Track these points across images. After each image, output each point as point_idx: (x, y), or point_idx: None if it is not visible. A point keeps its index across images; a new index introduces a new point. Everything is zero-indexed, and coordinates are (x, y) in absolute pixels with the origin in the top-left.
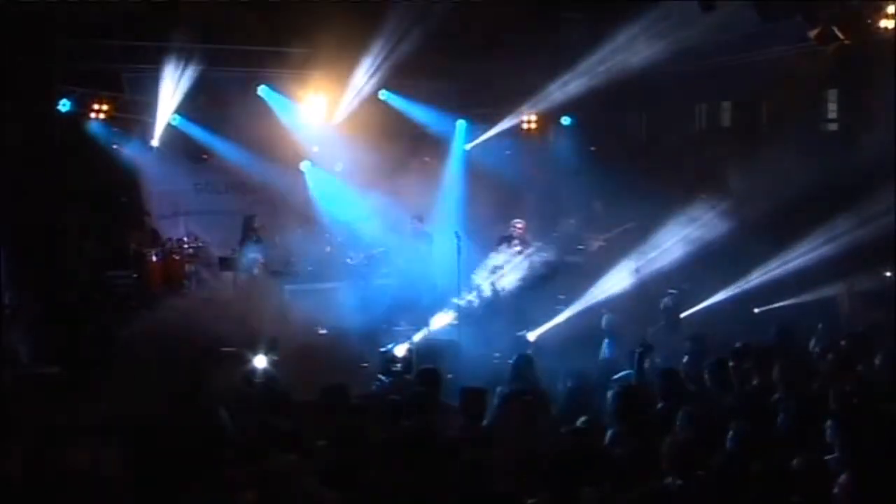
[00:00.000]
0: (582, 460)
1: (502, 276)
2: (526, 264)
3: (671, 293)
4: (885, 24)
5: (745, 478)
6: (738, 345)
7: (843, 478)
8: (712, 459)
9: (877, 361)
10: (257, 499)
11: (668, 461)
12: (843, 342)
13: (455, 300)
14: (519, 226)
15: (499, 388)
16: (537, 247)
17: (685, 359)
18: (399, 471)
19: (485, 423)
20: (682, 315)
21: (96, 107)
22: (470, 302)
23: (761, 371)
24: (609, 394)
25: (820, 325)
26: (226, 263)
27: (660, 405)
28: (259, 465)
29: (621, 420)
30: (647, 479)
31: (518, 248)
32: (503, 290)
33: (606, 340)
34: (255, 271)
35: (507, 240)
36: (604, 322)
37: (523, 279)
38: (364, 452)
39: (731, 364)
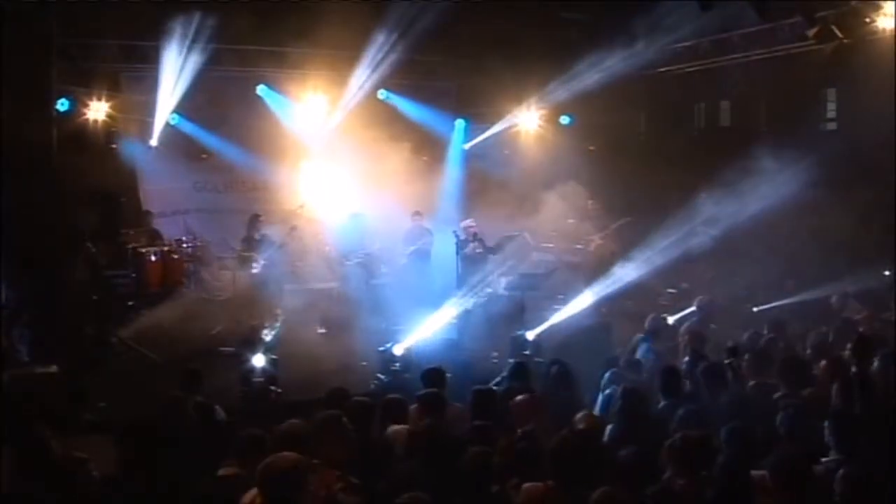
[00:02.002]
0: (582, 456)
1: (497, 275)
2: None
3: (671, 292)
4: (884, 22)
5: (746, 478)
6: (730, 344)
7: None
8: (715, 460)
9: (875, 363)
10: (256, 497)
11: (670, 461)
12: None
13: (454, 299)
14: (472, 226)
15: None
16: (501, 240)
17: (685, 358)
18: (409, 469)
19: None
20: (680, 315)
21: (95, 106)
22: (469, 300)
23: (759, 370)
24: (609, 392)
25: (824, 329)
26: (225, 262)
27: (661, 404)
28: (258, 463)
29: (624, 419)
30: (649, 478)
31: (479, 250)
32: (501, 288)
33: (646, 341)
34: (255, 270)
35: (465, 243)
36: (647, 322)
37: (522, 277)
38: (371, 452)
39: (726, 362)
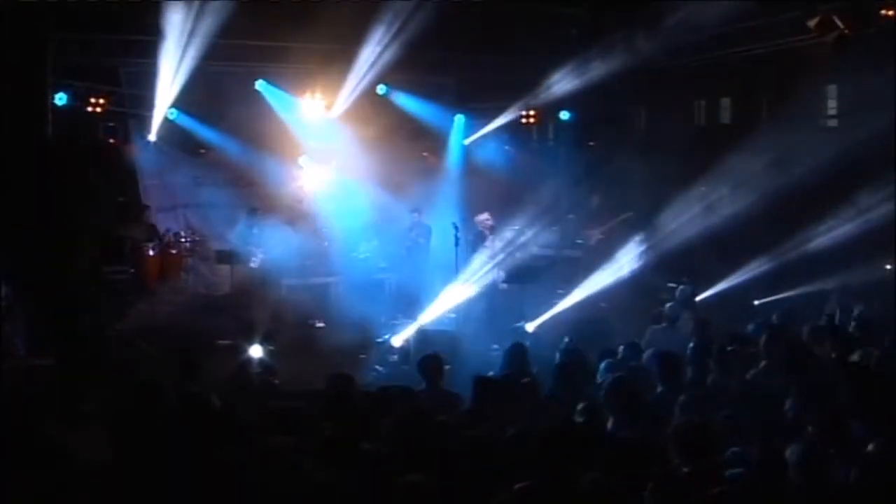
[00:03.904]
0: (578, 443)
1: (497, 268)
2: (524, 255)
3: (671, 287)
4: (886, 13)
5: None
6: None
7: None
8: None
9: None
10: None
11: (674, 448)
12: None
13: (452, 292)
14: (487, 220)
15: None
16: (514, 232)
17: (690, 345)
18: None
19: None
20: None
21: (93, 101)
22: (468, 293)
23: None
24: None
25: (835, 312)
26: (223, 257)
27: (659, 389)
28: (254, 447)
29: (617, 409)
30: (650, 464)
31: (493, 243)
32: (501, 282)
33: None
34: (253, 264)
35: (481, 236)
36: (678, 293)
37: (521, 271)
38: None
39: (728, 349)
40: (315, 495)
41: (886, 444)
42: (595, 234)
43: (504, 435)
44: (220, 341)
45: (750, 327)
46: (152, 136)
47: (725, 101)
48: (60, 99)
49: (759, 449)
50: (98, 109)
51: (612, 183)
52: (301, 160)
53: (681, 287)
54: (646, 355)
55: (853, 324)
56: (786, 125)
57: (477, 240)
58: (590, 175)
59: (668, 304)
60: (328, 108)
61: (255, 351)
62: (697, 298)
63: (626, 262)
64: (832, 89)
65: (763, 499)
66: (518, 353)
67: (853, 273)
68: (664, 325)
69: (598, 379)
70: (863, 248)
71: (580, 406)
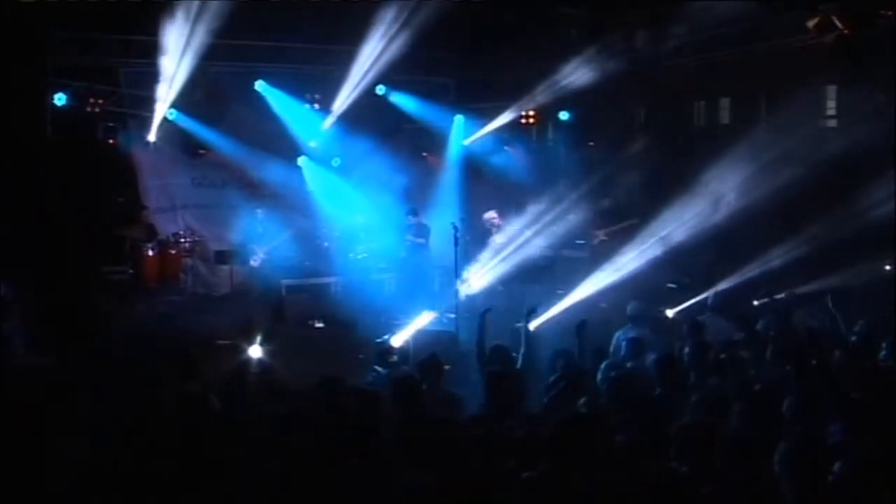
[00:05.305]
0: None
1: (497, 267)
2: (522, 255)
3: (671, 287)
4: (885, 13)
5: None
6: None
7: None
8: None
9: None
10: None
11: (675, 447)
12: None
13: (452, 292)
14: (494, 218)
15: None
16: (515, 231)
17: (686, 349)
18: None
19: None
20: (679, 309)
21: (93, 101)
22: (467, 293)
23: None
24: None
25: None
26: (222, 257)
27: (657, 391)
28: (253, 447)
29: (618, 406)
30: (649, 463)
31: (500, 241)
32: (500, 281)
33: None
34: (254, 264)
35: (488, 234)
36: (629, 309)
37: (521, 271)
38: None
39: (722, 357)
40: (314, 495)
41: (884, 445)
42: (599, 236)
43: (509, 434)
44: (220, 341)
45: (760, 324)
46: (152, 137)
47: (725, 101)
48: (60, 99)
49: (756, 449)
50: (97, 110)
51: (611, 184)
52: (300, 160)
53: (713, 292)
54: (649, 359)
55: (853, 325)
56: (785, 125)
57: (482, 237)
58: (590, 175)
59: (630, 305)
60: (327, 108)
61: (255, 351)
62: (696, 299)
63: (626, 262)
64: (832, 89)
65: (759, 498)
66: (497, 354)
67: (853, 273)
68: (628, 326)
69: (599, 378)
70: (862, 248)
71: (581, 400)
